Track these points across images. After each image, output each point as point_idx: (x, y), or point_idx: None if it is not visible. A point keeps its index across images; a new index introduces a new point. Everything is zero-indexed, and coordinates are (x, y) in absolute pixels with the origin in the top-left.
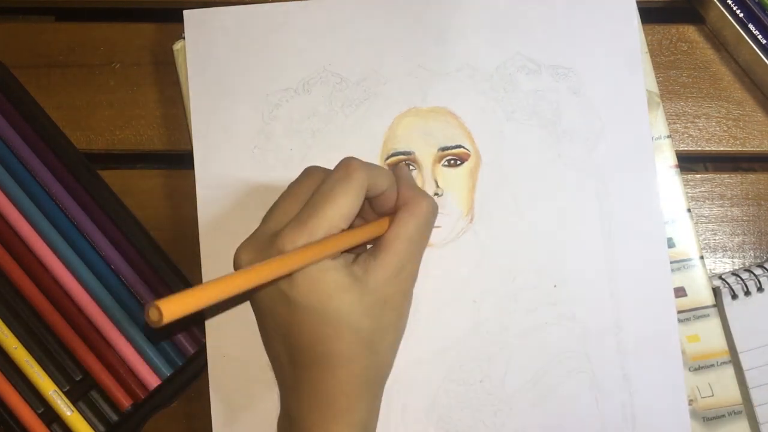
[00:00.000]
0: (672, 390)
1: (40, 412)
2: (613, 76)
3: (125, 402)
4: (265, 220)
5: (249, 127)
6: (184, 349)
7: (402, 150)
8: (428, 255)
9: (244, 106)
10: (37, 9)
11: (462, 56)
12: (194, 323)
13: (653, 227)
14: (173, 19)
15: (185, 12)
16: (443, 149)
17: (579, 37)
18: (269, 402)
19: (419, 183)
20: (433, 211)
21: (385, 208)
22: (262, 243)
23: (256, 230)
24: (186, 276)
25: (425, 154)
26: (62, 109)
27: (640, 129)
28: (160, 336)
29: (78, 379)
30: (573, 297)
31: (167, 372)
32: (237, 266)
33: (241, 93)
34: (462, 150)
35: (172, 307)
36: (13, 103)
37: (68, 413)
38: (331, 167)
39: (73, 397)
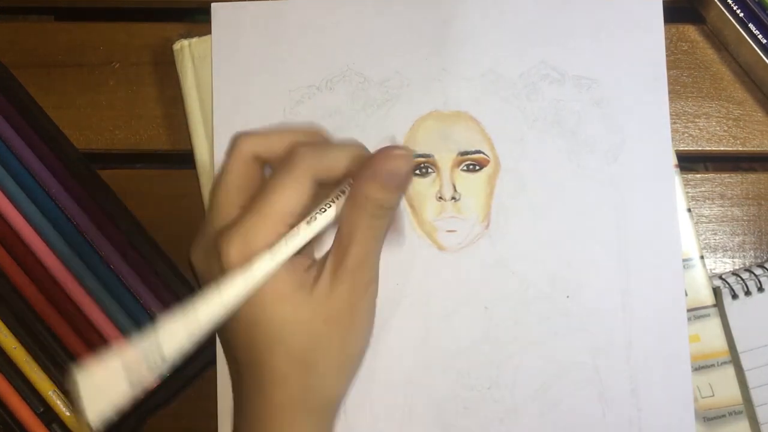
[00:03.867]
0: (681, 407)
1: (39, 412)
2: (637, 90)
3: None
4: (207, 214)
5: (270, 123)
6: None
7: (421, 152)
8: (442, 259)
9: (266, 101)
10: (37, 9)
11: (486, 62)
12: None
13: (669, 243)
14: (173, 18)
15: (213, 5)
16: (463, 154)
17: (604, 50)
18: None
19: (437, 186)
20: (386, 190)
21: None
22: (209, 243)
23: (203, 226)
24: (186, 276)
25: (444, 158)
26: (62, 109)
27: (662, 144)
28: None
29: None
30: (585, 309)
31: (167, 372)
32: (192, 268)
33: (264, 88)
34: (481, 155)
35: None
36: (13, 103)
37: (68, 413)
38: None
39: None
